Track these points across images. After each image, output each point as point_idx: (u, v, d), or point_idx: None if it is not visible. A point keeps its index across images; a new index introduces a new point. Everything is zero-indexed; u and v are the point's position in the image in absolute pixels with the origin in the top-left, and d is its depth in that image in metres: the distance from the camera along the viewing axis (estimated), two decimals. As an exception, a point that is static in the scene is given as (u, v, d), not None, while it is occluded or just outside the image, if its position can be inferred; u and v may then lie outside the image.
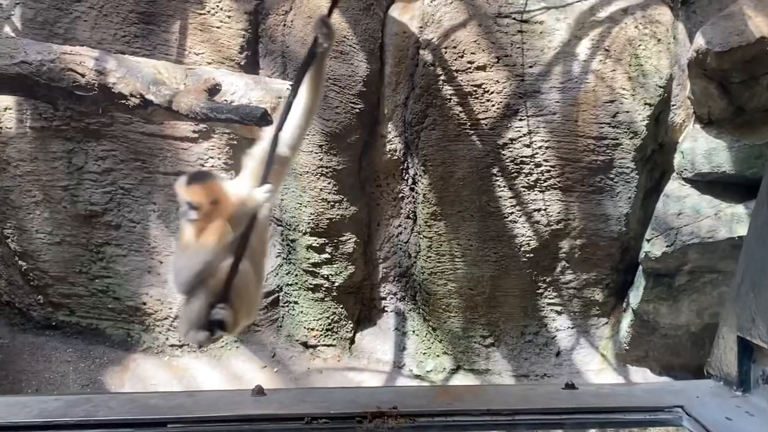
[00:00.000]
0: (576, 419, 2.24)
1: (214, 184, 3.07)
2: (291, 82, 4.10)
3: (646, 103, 5.93)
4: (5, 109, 6.20)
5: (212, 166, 6.32)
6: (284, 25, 6.36)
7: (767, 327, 2.09)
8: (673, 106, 6.07)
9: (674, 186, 5.92)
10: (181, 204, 3.10)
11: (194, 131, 6.25)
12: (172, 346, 6.56)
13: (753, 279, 2.18)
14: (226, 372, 6.48)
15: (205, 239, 3.02)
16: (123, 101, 4.22)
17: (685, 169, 5.85)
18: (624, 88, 5.92)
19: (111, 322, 6.61)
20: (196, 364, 6.51)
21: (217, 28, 6.28)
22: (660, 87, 5.94)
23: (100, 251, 6.47)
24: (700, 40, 5.51)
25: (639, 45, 5.92)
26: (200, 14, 6.26)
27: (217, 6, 6.26)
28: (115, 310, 6.57)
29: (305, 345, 6.70)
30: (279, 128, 3.04)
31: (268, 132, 3.20)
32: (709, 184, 5.80)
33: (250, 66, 6.39)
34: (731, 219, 5.61)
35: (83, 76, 4.24)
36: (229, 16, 6.28)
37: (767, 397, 2.20)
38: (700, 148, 5.77)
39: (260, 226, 3.14)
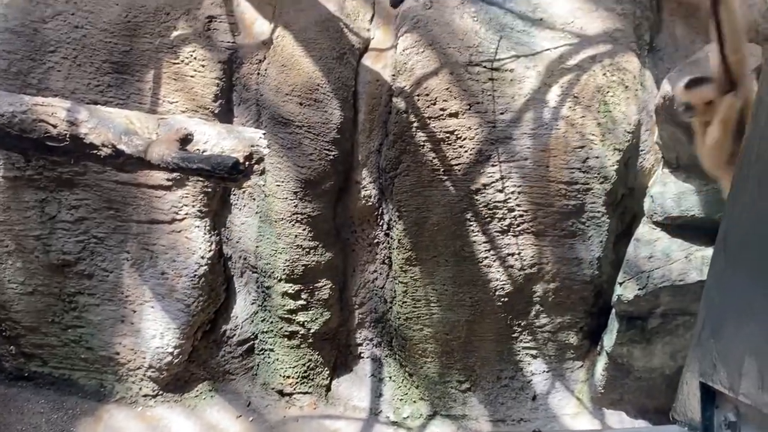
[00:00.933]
0: (542, 468, 2.26)
1: (708, 88, 3.59)
2: (263, 131, 4.21)
3: (615, 149, 6.02)
4: (-23, 159, 6.20)
5: (186, 214, 6.33)
6: (258, 73, 6.42)
7: (728, 373, 2.12)
8: (641, 151, 6.16)
9: (645, 230, 5.98)
10: (679, 105, 3.85)
11: (168, 179, 6.26)
12: (145, 396, 6.49)
13: (713, 325, 2.22)
14: (200, 422, 6.41)
15: (706, 138, 3.61)
16: (95, 152, 4.23)
17: (655, 213, 5.92)
18: (593, 134, 6.01)
19: (84, 373, 6.54)
20: (170, 414, 6.43)
21: (191, 77, 6.32)
22: (629, 133, 6.04)
23: (73, 301, 6.42)
24: (666, 87, 5.62)
25: (607, 92, 6.03)
26: (174, 63, 6.31)
27: (191, 55, 6.31)
28: (88, 360, 6.51)
29: (281, 393, 6.65)
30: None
31: None
32: (679, 227, 5.87)
33: (225, 114, 6.43)
34: (702, 262, 5.67)
35: (55, 126, 4.25)
36: (203, 65, 6.34)
37: (730, 443, 2.22)
38: (669, 192, 5.85)
39: None
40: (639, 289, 5.83)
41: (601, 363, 6.30)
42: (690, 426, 2.37)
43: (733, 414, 2.23)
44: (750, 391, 2.04)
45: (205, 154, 4.22)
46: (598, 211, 6.11)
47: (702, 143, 3.87)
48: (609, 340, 6.18)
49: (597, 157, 6.01)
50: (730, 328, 2.15)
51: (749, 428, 2.17)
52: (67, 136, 4.23)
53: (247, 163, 4.23)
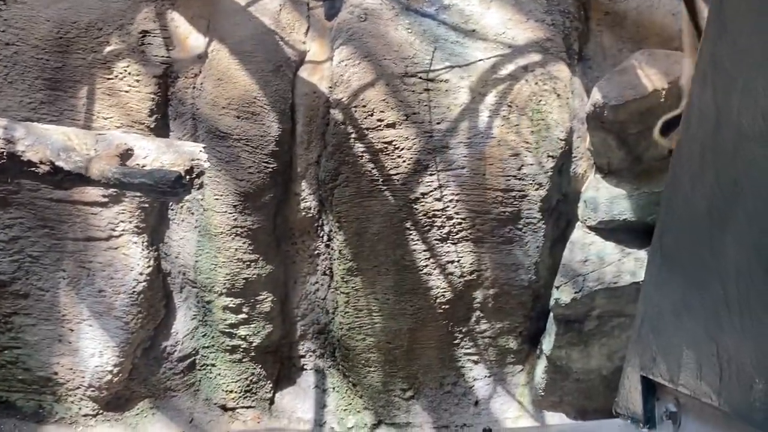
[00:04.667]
0: (493, 465, 2.32)
1: None
2: (203, 145, 4.22)
3: (549, 156, 6.16)
4: None
5: (123, 231, 6.26)
6: (194, 87, 6.40)
7: (668, 365, 2.21)
8: (574, 157, 6.33)
9: (579, 234, 6.14)
10: None
11: (104, 196, 6.18)
12: (85, 415, 6.37)
13: (652, 321, 2.31)
14: (143, 440, 6.35)
15: None
16: (33, 169, 4.17)
17: (588, 218, 6.08)
18: (527, 142, 6.15)
19: (21, 394, 6.38)
20: (111, 434, 6.36)
21: (126, 92, 6.27)
22: (561, 140, 6.19)
23: (9, 321, 6.28)
24: (596, 95, 5.79)
25: (540, 100, 6.18)
26: (108, 79, 6.25)
27: (125, 70, 6.26)
28: (26, 382, 6.36)
29: (224, 408, 6.60)
30: None
31: None
32: (612, 231, 6.03)
33: (160, 129, 6.39)
34: (635, 264, 5.84)
35: (-10, 145, 4.18)
36: (137, 80, 6.29)
37: (671, 432, 2.31)
38: (601, 197, 6.01)
39: None
40: (575, 293, 5.96)
41: (541, 366, 6.42)
42: (632, 418, 2.45)
43: (673, 404, 2.33)
44: (689, 382, 2.13)
45: (146, 169, 4.19)
46: (534, 217, 6.24)
47: None
48: (548, 343, 6.30)
49: (531, 164, 6.15)
50: (668, 323, 2.24)
51: (689, 417, 2.27)
52: (4, 154, 4.16)
53: (188, 177, 4.22)
